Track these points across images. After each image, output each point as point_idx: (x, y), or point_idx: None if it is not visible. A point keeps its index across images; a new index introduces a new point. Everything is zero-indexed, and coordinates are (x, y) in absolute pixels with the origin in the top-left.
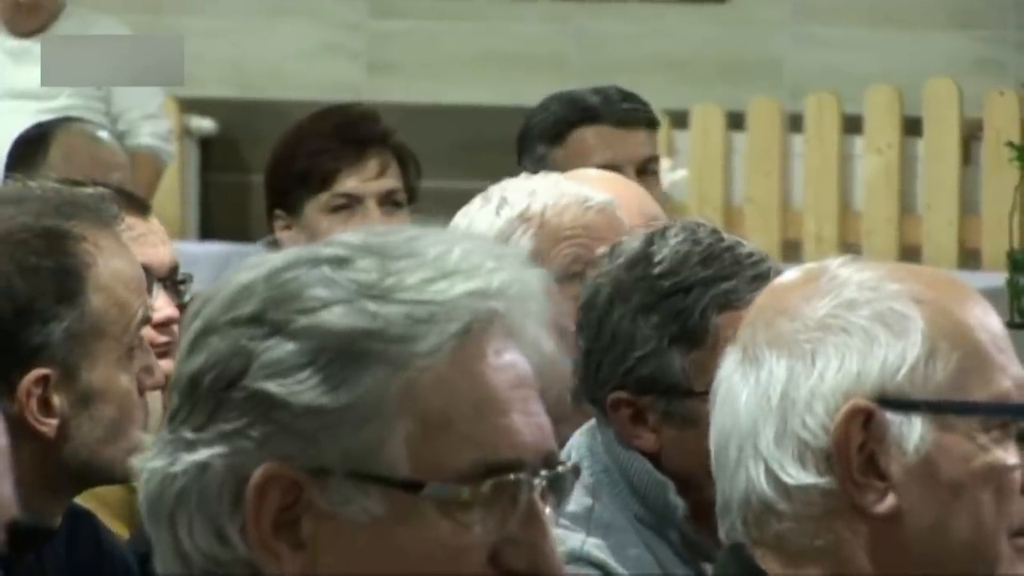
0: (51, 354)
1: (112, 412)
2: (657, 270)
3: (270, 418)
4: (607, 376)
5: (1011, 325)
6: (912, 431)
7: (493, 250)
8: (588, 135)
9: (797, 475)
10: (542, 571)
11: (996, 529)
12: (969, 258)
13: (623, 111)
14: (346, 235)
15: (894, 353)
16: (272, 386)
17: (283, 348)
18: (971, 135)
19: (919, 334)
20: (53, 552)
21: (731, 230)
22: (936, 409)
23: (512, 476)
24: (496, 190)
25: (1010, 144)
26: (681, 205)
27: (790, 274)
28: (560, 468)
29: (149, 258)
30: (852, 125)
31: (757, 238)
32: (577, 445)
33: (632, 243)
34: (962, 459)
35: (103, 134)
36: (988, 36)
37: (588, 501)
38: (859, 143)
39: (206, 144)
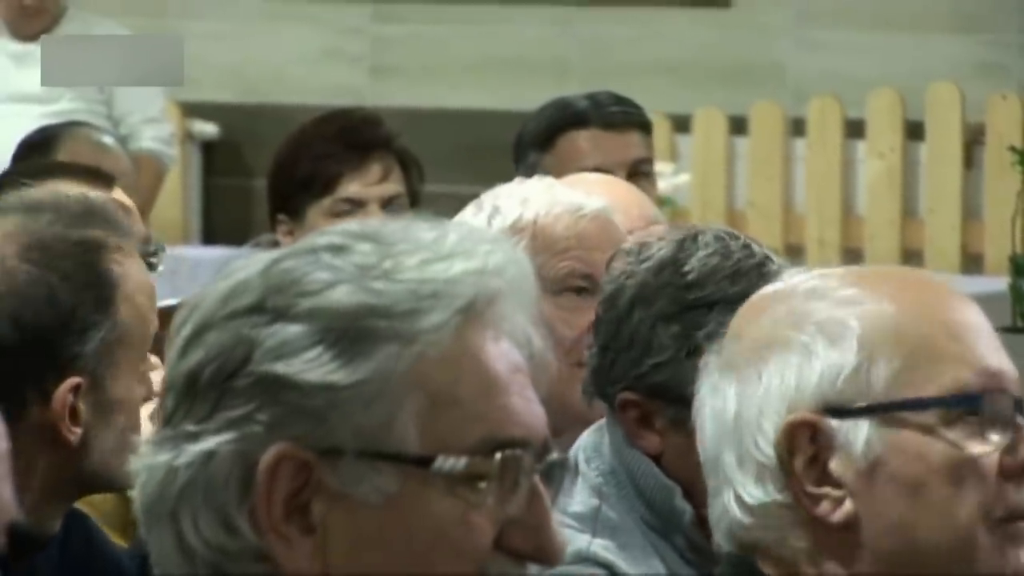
0: (84, 363)
1: (124, 422)
2: (684, 280)
3: (279, 400)
4: (619, 375)
5: (1013, 330)
6: (859, 435)
7: (486, 235)
8: (577, 139)
9: (757, 494)
10: (547, 551)
11: (968, 522)
12: (971, 262)
13: (611, 114)
14: (340, 227)
15: (830, 362)
16: (280, 367)
17: (288, 330)
18: (973, 139)
19: (854, 340)
20: (46, 555)
21: None
22: (877, 411)
23: (519, 451)
24: (489, 197)
25: (1012, 148)
26: (683, 209)
27: (754, 295)
28: (555, 456)
29: None
30: (854, 129)
31: None
32: (585, 444)
33: (662, 246)
34: (917, 456)
35: (108, 140)
36: (991, 40)
37: (595, 502)
38: (861, 147)
39: (208, 148)
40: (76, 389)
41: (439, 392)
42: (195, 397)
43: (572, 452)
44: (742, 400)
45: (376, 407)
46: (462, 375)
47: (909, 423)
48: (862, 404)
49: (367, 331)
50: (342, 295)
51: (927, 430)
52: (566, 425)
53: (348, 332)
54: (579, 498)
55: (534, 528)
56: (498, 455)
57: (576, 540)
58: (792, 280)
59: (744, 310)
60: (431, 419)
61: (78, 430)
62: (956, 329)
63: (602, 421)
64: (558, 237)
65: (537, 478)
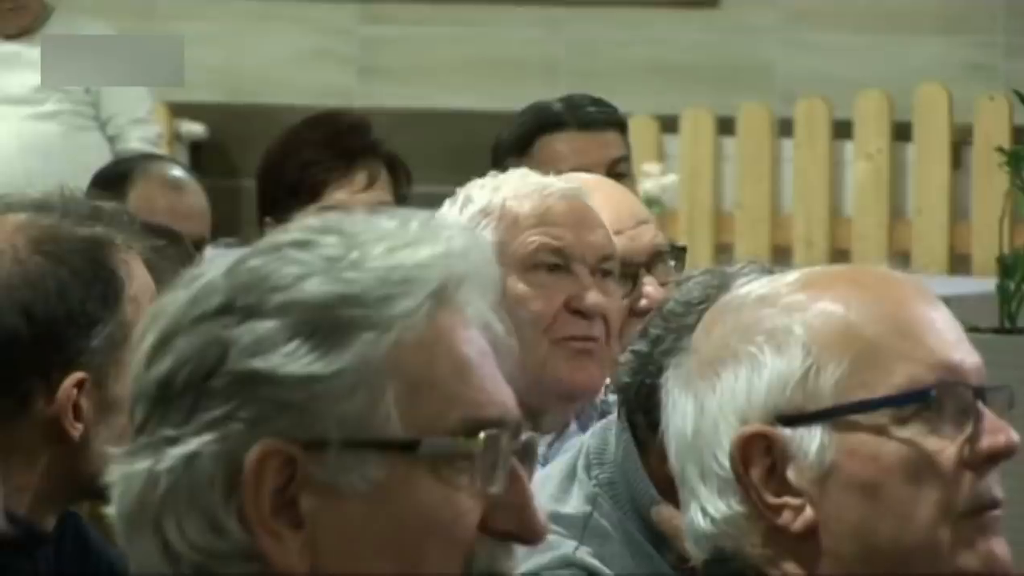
0: (90, 359)
1: (122, 423)
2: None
3: (259, 396)
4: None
5: (1001, 331)
6: (812, 442)
7: (446, 222)
8: (554, 142)
9: (720, 507)
10: (531, 529)
11: (929, 519)
12: (959, 263)
13: (587, 114)
14: (301, 222)
15: (777, 371)
16: (258, 363)
17: (262, 326)
18: (961, 140)
19: (800, 346)
20: (44, 554)
21: (721, 236)
22: (827, 416)
23: (499, 431)
24: (463, 190)
25: (1000, 149)
26: (671, 210)
27: (712, 306)
28: (529, 436)
29: None
30: (842, 130)
31: (747, 244)
32: (588, 448)
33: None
34: (871, 458)
35: (181, 174)
36: (978, 41)
37: (587, 508)
38: (849, 148)
39: (196, 149)
40: (80, 384)
41: (416, 376)
42: (170, 403)
43: (574, 453)
44: (699, 415)
45: (358, 396)
46: (437, 358)
47: (861, 425)
48: (812, 410)
49: (342, 321)
50: (314, 287)
51: (879, 431)
52: (548, 404)
53: (324, 323)
54: (572, 503)
55: (517, 508)
56: (481, 434)
57: (562, 545)
58: (745, 288)
59: (702, 323)
60: (411, 404)
61: (80, 426)
62: (907, 325)
63: (605, 422)
64: (525, 215)
65: (514, 458)
